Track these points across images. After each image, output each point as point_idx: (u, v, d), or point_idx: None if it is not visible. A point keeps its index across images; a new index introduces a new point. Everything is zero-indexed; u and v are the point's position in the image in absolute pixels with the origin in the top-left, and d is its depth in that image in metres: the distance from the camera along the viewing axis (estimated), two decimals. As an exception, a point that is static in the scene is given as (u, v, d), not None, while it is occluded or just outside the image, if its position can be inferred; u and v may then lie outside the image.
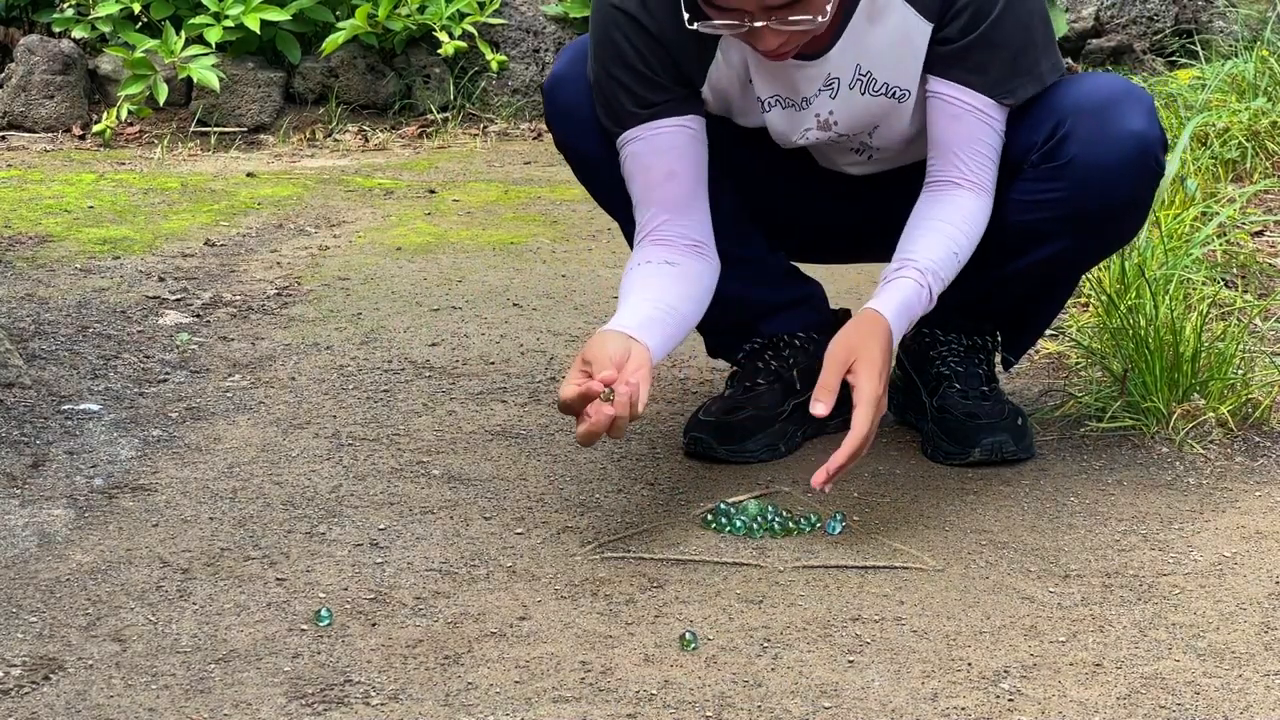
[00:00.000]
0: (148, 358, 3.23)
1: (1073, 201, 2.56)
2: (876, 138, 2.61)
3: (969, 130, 2.52)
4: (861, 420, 2.39)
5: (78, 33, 5.31)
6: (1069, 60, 5.58)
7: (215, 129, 5.28)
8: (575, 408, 2.34)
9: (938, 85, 2.52)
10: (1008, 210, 2.61)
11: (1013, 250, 2.65)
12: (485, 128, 5.39)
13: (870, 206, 2.73)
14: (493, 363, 3.23)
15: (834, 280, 3.12)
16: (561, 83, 2.65)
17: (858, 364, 2.41)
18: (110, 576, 2.34)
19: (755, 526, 2.49)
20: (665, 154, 2.54)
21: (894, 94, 2.53)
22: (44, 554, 2.41)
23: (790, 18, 2.35)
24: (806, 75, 2.53)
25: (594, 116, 2.60)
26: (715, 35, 2.49)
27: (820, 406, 2.39)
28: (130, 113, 5.23)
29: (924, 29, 2.49)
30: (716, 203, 2.62)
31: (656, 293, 2.49)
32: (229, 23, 5.20)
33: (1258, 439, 2.84)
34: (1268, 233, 3.92)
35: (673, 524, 2.52)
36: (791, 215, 2.80)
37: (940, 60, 2.50)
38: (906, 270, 2.48)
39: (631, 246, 2.65)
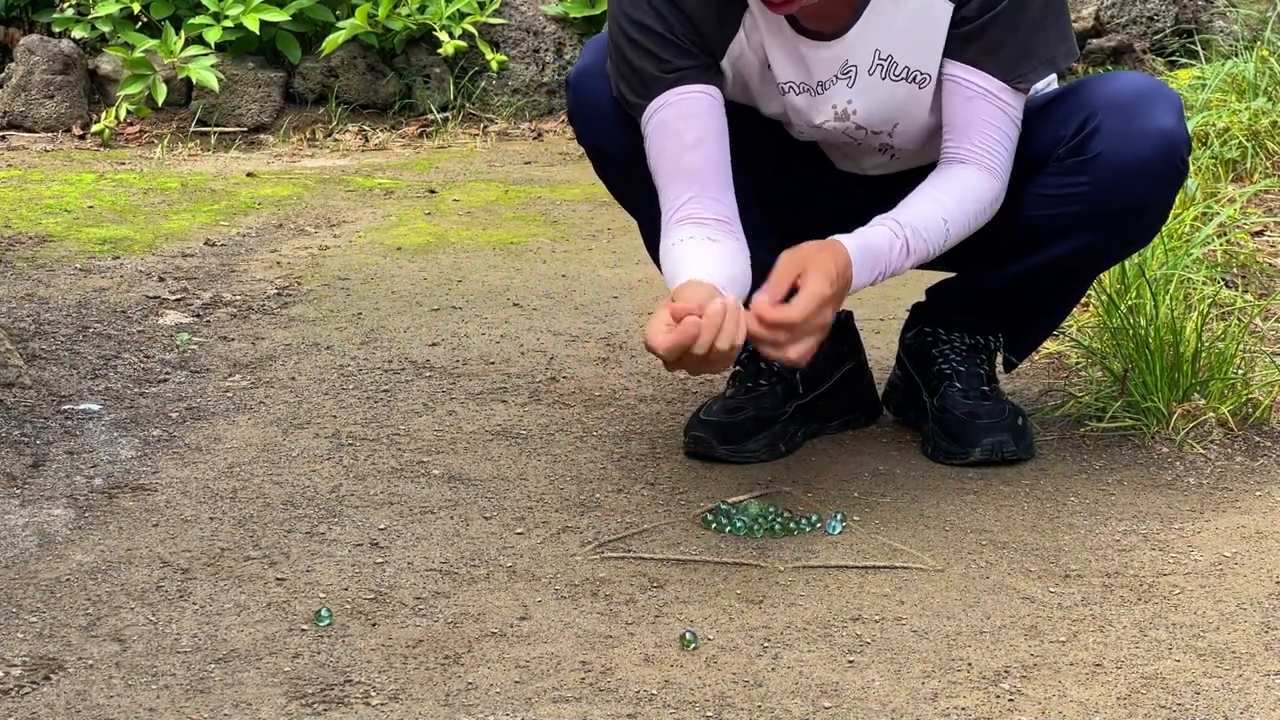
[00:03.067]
0: (148, 358, 3.23)
1: (1096, 196, 2.56)
2: (897, 136, 2.60)
3: (982, 113, 2.51)
4: (809, 293, 2.34)
5: (78, 33, 5.31)
6: (1069, 60, 5.58)
7: (215, 129, 5.28)
8: (675, 345, 2.29)
9: (952, 68, 2.51)
10: (1030, 203, 2.61)
11: (1032, 244, 2.65)
12: (485, 128, 5.39)
13: (885, 209, 2.72)
14: (493, 363, 3.23)
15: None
16: (586, 76, 2.64)
17: (808, 270, 2.38)
18: (110, 576, 2.34)
19: (755, 526, 2.49)
20: (694, 119, 2.51)
21: (914, 78, 2.53)
22: (44, 554, 2.41)
23: None
24: (821, 57, 2.52)
25: (617, 110, 2.59)
26: (738, 10, 2.49)
27: (763, 296, 2.36)
28: (130, 112, 5.23)
29: (946, 9, 2.49)
30: None
31: (714, 265, 2.45)
32: (229, 23, 5.20)
33: (1258, 439, 2.84)
34: (1268, 233, 3.92)
35: (673, 524, 2.52)
36: (806, 216, 2.79)
37: (956, 41, 2.50)
38: (885, 221, 2.47)
39: (646, 237, 2.66)
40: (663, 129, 2.52)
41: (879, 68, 2.52)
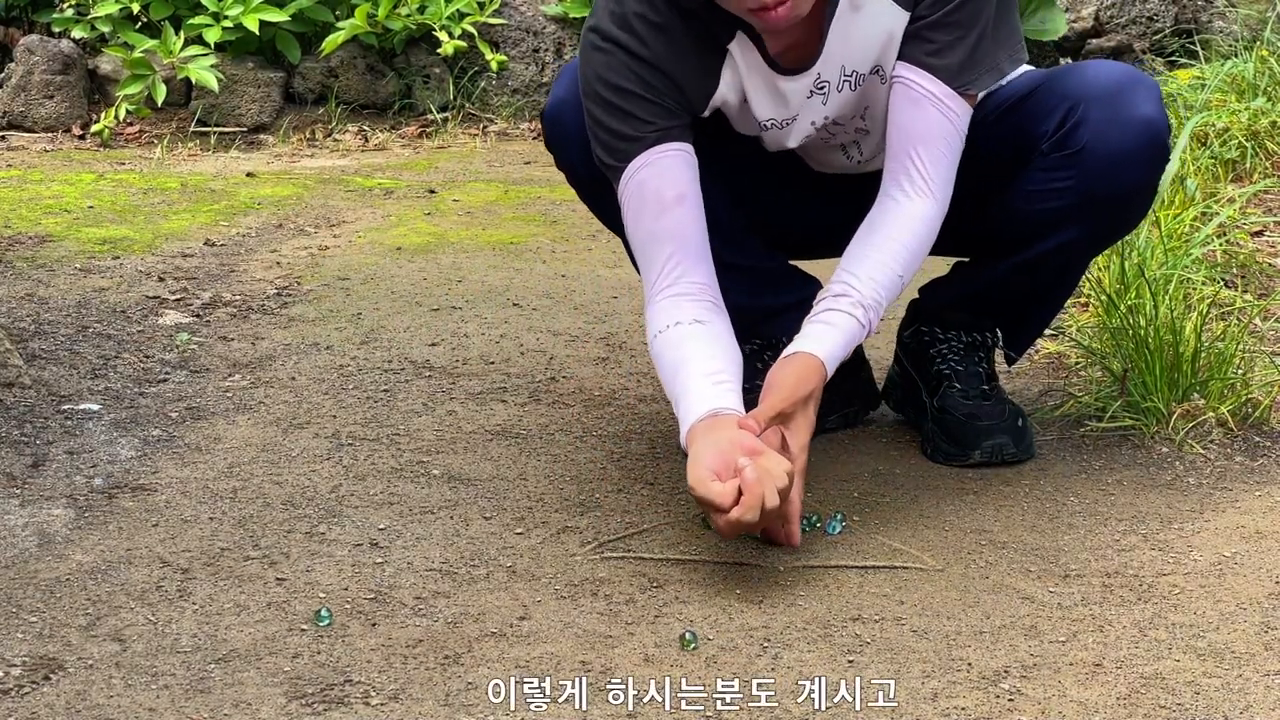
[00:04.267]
0: (148, 358, 3.23)
1: (1084, 188, 2.56)
2: (869, 118, 2.61)
3: (928, 120, 2.51)
4: (797, 471, 2.39)
5: (77, 33, 5.31)
6: (1069, 60, 5.58)
7: (215, 129, 5.28)
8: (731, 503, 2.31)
9: (900, 69, 2.52)
10: (1019, 201, 2.62)
11: (1021, 241, 2.65)
12: (485, 128, 5.39)
13: (861, 205, 2.73)
14: (493, 363, 3.23)
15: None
16: (564, 106, 2.62)
17: (792, 424, 2.42)
18: (110, 576, 2.34)
19: (755, 526, 2.49)
20: (675, 175, 2.50)
21: (876, 72, 2.54)
22: (44, 554, 2.41)
23: None
24: (796, 88, 2.53)
25: None
26: (717, 63, 2.49)
27: (753, 425, 2.38)
28: (129, 112, 5.23)
29: (902, 19, 2.50)
30: (712, 213, 2.61)
31: (719, 363, 2.46)
32: (228, 23, 5.20)
33: (1258, 439, 2.84)
34: (1268, 233, 3.92)
35: (673, 524, 2.52)
36: (786, 220, 2.80)
37: (906, 42, 2.50)
38: (851, 305, 2.47)
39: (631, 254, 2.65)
40: (642, 189, 2.50)
41: (846, 83, 2.54)
